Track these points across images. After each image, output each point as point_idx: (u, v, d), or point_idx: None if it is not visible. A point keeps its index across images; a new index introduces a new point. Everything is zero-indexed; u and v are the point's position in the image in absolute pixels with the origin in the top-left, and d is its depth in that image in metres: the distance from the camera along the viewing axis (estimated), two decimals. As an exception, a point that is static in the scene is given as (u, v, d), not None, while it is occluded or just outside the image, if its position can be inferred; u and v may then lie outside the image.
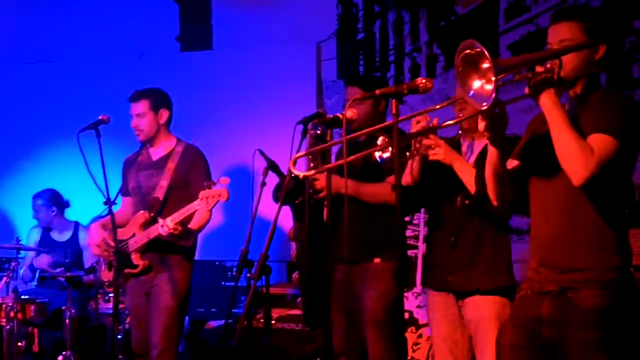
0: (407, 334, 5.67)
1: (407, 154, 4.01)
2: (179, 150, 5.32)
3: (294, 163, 3.38)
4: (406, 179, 4.13)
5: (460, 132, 4.33)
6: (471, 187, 3.98)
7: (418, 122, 3.86)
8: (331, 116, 4.04)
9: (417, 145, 3.97)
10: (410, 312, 5.82)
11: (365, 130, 3.68)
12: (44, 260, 6.83)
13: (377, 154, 3.56)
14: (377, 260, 4.53)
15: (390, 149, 3.45)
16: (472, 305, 4.12)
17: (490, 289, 4.09)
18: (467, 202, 4.12)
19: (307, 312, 4.83)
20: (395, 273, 4.48)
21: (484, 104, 2.88)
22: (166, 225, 4.91)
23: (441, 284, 4.22)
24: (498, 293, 4.09)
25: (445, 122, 3.70)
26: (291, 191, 4.02)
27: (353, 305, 4.58)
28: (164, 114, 5.35)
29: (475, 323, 4.11)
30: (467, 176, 4.00)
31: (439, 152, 4.01)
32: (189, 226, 5.09)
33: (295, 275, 6.06)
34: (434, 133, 3.97)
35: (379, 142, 3.53)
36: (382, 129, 3.43)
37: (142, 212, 5.21)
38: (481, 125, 3.10)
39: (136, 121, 5.32)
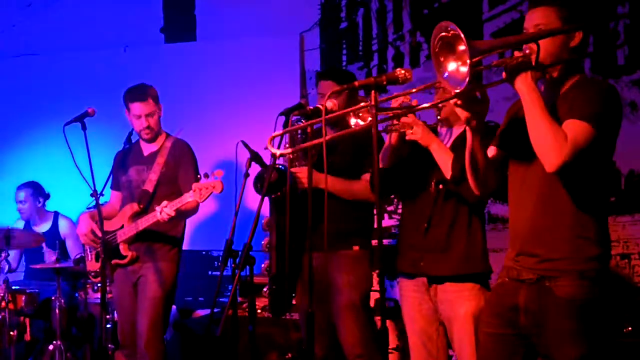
0: (391, 322, 5.70)
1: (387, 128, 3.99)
2: (168, 145, 5.36)
3: (271, 141, 3.37)
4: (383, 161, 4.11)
5: (438, 121, 4.21)
6: (447, 170, 3.90)
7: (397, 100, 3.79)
8: (312, 107, 4.05)
9: (395, 122, 3.92)
10: (396, 301, 5.84)
11: (346, 131, 3.67)
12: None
13: (352, 121, 3.56)
14: (356, 247, 4.61)
15: (368, 117, 3.42)
16: (446, 300, 4.06)
17: (464, 275, 4.03)
18: (441, 187, 4.07)
19: (273, 301, 4.79)
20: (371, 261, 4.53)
21: (458, 87, 2.85)
22: (164, 211, 4.91)
23: (413, 268, 4.16)
24: (472, 279, 4.04)
25: (423, 104, 3.72)
26: (273, 183, 4.04)
27: (326, 292, 4.59)
28: (161, 108, 5.39)
29: (449, 320, 4.07)
30: (444, 159, 3.93)
31: (417, 132, 3.95)
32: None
33: (264, 264, 6.06)
34: (412, 113, 3.93)
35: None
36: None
37: (131, 203, 5.26)
38: (463, 115, 3.09)
39: (147, 121, 5.27)
